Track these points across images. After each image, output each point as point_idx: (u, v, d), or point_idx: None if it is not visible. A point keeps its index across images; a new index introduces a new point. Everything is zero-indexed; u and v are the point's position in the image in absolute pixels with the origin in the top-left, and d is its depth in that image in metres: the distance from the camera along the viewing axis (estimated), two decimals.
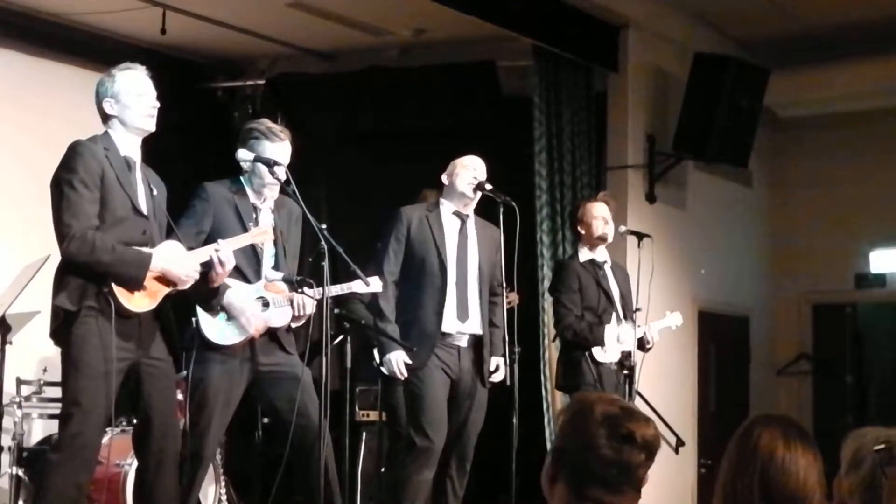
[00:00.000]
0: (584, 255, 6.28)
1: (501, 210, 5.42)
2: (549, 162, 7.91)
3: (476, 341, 5.50)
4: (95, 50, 7.75)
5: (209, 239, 4.64)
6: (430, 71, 8.38)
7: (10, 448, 5.86)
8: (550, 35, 7.78)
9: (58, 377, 4.47)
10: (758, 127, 8.45)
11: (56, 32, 7.77)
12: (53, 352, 4.42)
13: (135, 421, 4.61)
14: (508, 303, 5.75)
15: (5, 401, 5.90)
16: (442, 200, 5.60)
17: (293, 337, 4.98)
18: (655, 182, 8.34)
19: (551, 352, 7.55)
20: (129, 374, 4.30)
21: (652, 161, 8.33)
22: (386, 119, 8.49)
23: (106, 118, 4.37)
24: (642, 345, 6.30)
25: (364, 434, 7.13)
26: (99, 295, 4.17)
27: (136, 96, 4.35)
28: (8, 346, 5.79)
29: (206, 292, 4.59)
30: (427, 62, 8.43)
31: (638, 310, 6.28)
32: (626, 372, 6.17)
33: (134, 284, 4.22)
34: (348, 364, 5.11)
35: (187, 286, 4.38)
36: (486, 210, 5.61)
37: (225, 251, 4.46)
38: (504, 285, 5.57)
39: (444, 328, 5.41)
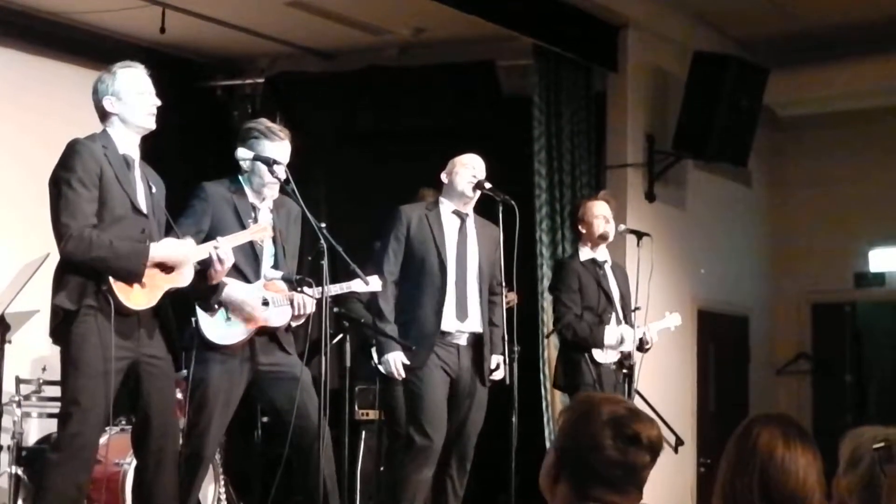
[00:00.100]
0: (585, 253, 6.28)
1: (501, 209, 5.42)
2: (549, 161, 7.92)
3: (476, 340, 5.50)
4: (95, 49, 7.75)
5: (208, 238, 4.63)
6: (430, 70, 8.38)
7: (9, 447, 5.86)
8: (550, 34, 7.78)
9: (57, 376, 4.47)
10: (757, 126, 8.45)
11: (56, 31, 7.77)
12: (52, 351, 4.43)
13: (134, 420, 4.61)
14: (507, 302, 5.74)
15: (4, 400, 5.90)
16: (441, 199, 5.60)
17: (292, 336, 4.98)
18: (655, 181, 8.34)
19: (550, 351, 7.55)
20: (128, 373, 4.30)
21: (651, 160, 8.34)
22: (385, 118, 8.49)
23: (105, 116, 4.37)
24: (641, 345, 6.29)
25: (363, 433, 7.13)
26: (98, 293, 4.17)
27: (137, 94, 4.35)
28: (7, 345, 5.80)
29: (205, 290, 4.60)
30: (427, 61, 8.43)
31: (637, 309, 6.28)
32: (625, 371, 6.17)
33: (134, 277, 4.21)
34: (348, 363, 5.10)
35: (188, 281, 4.37)
36: (485, 209, 5.60)
37: (224, 248, 4.46)
38: (503, 284, 5.56)
39: (444, 327, 5.41)
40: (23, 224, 6.94)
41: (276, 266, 4.91)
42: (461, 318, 5.44)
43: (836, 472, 2.60)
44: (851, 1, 8.16)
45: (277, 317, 4.85)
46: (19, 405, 5.96)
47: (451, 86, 8.29)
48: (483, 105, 8.29)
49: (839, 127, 9.62)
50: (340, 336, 5.54)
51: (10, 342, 5.83)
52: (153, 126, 4.41)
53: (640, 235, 6.63)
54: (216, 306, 4.73)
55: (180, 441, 4.69)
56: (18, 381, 6.17)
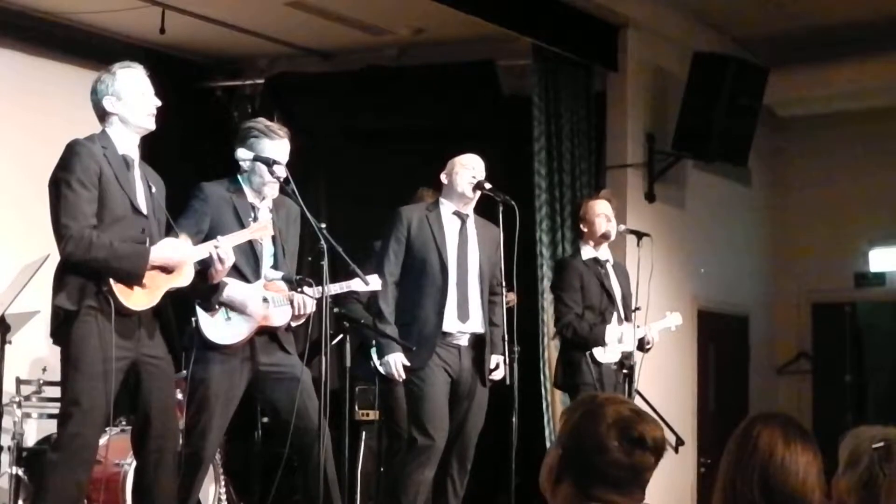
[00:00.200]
0: (587, 252, 6.28)
1: (501, 209, 5.42)
2: (549, 161, 7.91)
3: (477, 340, 5.49)
4: (95, 49, 7.75)
5: (207, 239, 4.63)
6: (430, 70, 8.38)
7: (9, 448, 5.85)
8: (550, 34, 7.78)
9: (57, 377, 4.46)
10: (757, 126, 8.45)
11: (55, 32, 7.77)
12: (53, 351, 4.42)
13: (133, 420, 4.61)
14: (507, 303, 5.74)
15: (5, 400, 5.90)
16: (441, 200, 5.59)
17: (292, 336, 4.98)
18: (655, 181, 8.34)
19: (551, 351, 7.55)
20: (128, 373, 4.30)
21: (651, 160, 8.33)
22: (385, 118, 8.49)
23: (104, 116, 4.36)
24: (642, 345, 6.30)
25: (364, 433, 7.13)
26: (98, 294, 4.17)
27: (138, 95, 4.35)
28: (7, 346, 5.79)
29: (206, 290, 4.60)
30: (426, 61, 8.43)
31: (637, 309, 6.28)
32: (625, 371, 6.17)
33: (134, 279, 4.21)
34: (348, 363, 5.11)
35: (188, 281, 4.37)
36: (485, 209, 5.60)
37: (224, 248, 4.46)
38: (503, 284, 5.56)
39: (446, 328, 5.40)
40: (23, 224, 6.93)
41: (275, 266, 4.91)
42: (462, 319, 5.44)
43: (836, 472, 2.60)
44: (851, 1, 8.16)
45: (278, 316, 4.85)
46: (20, 406, 5.96)
47: (451, 86, 8.28)
48: (483, 105, 8.29)
49: (839, 127, 9.62)
50: (340, 336, 5.53)
51: (10, 343, 5.82)
52: (153, 126, 4.41)
53: (640, 235, 6.63)
54: (216, 306, 4.73)
55: (180, 441, 4.69)
56: (19, 381, 6.16)
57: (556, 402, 7.65)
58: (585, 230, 6.27)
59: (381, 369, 5.52)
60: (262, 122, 4.97)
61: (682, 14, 8.52)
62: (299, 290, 4.77)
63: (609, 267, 6.30)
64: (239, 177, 4.92)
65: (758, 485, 2.38)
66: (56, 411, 4.51)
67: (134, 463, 4.71)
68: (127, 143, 4.37)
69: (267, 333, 4.86)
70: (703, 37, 8.62)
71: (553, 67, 7.97)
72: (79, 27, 7.88)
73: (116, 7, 7.40)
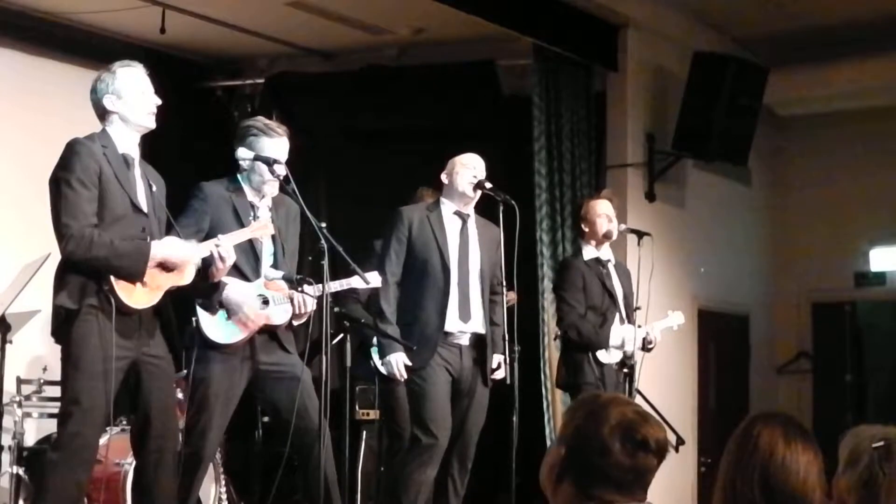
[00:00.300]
0: (589, 252, 6.27)
1: (501, 209, 5.42)
2: (549, 161, 7.91)
3: (478, 340, 5.49)
4: (95, 49, 7.74)
5: (207, 238, 4.63)
6: (430, 70, 8.38)
7: (10, 447, 5.85)
8: (550, 34, 7.78)
9: (57, 376, 4.46)
10: (757, 126, 8.45)
11: (55, 32, 7.76)
12: (53, 351, 4.42)
13: (133, 419, 4.61)
14: (507, 302, 5.75)
15: (5, 400, 5.90)
16: (442, 200, 5.59)
17: (293, 335, 4.97)
18: (655, 181, 8.34)
19: (551, 351, 7.55)
20: (128, 373, 4.30)
21: (651, 160, 8.33)
22: (385, 118, 8.49)
23: (104, 115, 4.36)
24: (644, 345, 6.30)
25: (364, 433, 7.13)
26: (99, 293, 4.17)
27: (138, 93, 4.35)
28: (8, 346, 5.79)
29: (206, 289, 4.60)
30: (426, 61, 8.43)
31: (637, 308, 6.28)
32: (626, 371, 6.17)
33: (135, 276, 4.21)
34: (348, 363, 5.11)
35: (189, 279, 4.37)
36: (485, 209, 5.60)
37: (225, 246, 4.47)
38: (504, 284, 5.57)
39: (447, 328, 5.40)
40: (23, 224, 6.93)
41: (275, 264, 4.91)
42: (464, 319, 5.44)
43: (836, 472, 2.60)
44: (851, 1, 8.16)
45: (278, 315, 4.85)
46: (20, 405, 5.96)
47: (451, 86, 8.28)
48: (483, 105, 8.29)
49: (839, 126, 9.62)
50: (341, 336, 5.53)
51: (10, 342, 5.82)
52: (153, 125, 4.41)
53: (640, 235, 6.63)
54: (217, 305, 4.73)
55: (180, 441, 4.69)
56: (19, 381, 6.17)
57: (556, 402, 7.65)
58: (587, 230, 6.27)
59: (382, 369, 5.52)
60: (260, 120, 4.98)
61: (683, 14, 8.52)
62: (299, 289, 4.77)
63: (611, 267, 6.30)
64: (238, 176, 4.92)
65: (758, 484, 2.38)
66: (56, 411, 4.51)
67: (134, 462, 4.71)
68: (127, 141, 4.37)
69: (267, 332, 4.86)
70: (703, 37, 8.62)
71: (553, 67, 7.97)
72: (79, 27, 7.88)
73: (116, 7, 7.40)
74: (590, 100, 8.22)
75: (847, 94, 9.13)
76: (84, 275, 4.17)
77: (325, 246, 4.58)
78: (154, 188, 4.44)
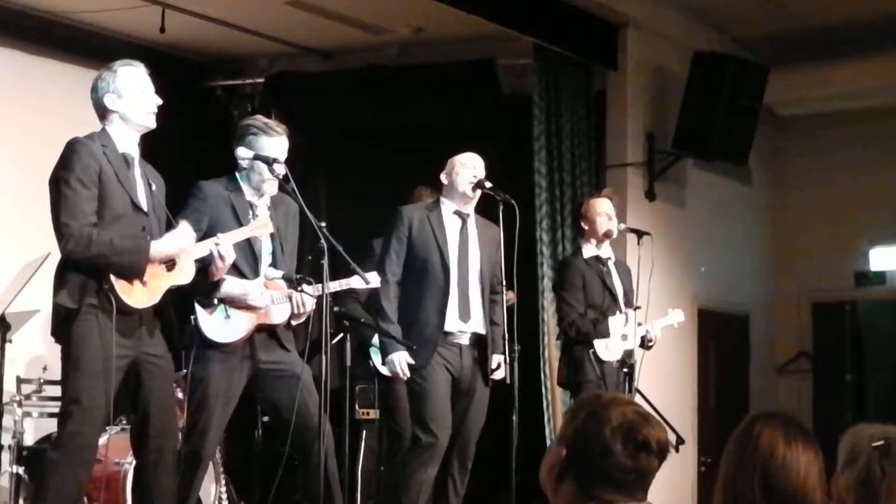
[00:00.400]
0: (589, 251, 6.28)
1: (501, 208, 5.41)
2: (549, 160, 7.91)
3: (478, 340, 5.49)
4: (95, 49, 7.74)
5: (206, 237, 4.63)
6: (430, 69, 8.38)
7: (9, 447, 5.85)
8: (550, 34, 7.78)
9: (57, 376, 4.46)
10: (757, 126, 8.45)
11: (55, 31, 7.77)
12: (53, 351, 4.42)
13: (133, 419, 4.61)
14: (507, 301, 5.74)
15: (5, 399, 5.90)
16: (442, 199, 5.59)
17: (292, 334, 4.97)
18: (655, 180, 8.34)
19: (551, 350, 7.55)
20: (128, 372, 4.30)
21: (651, 159, 8.34)
22: (385, 117, 8.49)
23: (105, 114, 4.36)
24: (644, 342, 6.30)
25: (364, 432, 7.13)
26: (99, 292, 4.16)
27: (139, 93, 4.35)
28: (8, 345, 5.79)
29: (206, 287, 4.60)
30: (426, 60, 8.43)
31: (638, 308, 6.28)
32: (626, 370, 6.17)
33: (135, 273, 4.21)
34: (348, 362, 5.10)
35: (189, 278, 4.37)
36: (485, 208, 5.60)
37: (225, 245, 4.47)
38: (504, 283, 5.56)
39: (447, 328, 5.40)
40: (23, 224, 6.93)
41: (274, 263, 4.91)
42: (464, 319, 5.44)
43: (835, 471, 2.60)
44: (851, 1, 8.16)
45: (278, 313, 4.84)
46: (20, 405, 5.95)
47: (451, 85, 8.28)
48: (483, 104, 8.28)
49: (839, 126, 9.62)
50: (341, 336, 5.53)
51: (10, 342, 5.82)
52: (153, 125, 4.41)
53: (640, 234, 6.63)
54: (215, 302, 4.73)
55: (180, 440, 4.69)
56: (19, 380, 6.17)
57: (556, 401, 7.65)
58: (587, 228, 6.28)
59: (382, 369, 5.51)
60: (259, 119, 4.97)
61: (683, 13, 8.52)
62: (299, 288, 4.76)
63: (611, 265, 6.31)
64: (237, 175, 4.92)
65: (758, 484, 2.38)
66: (56, 410, 4.51)
67: (134, 462, 4.71)
68: (127, 141, 4.37)
69: (266, 331, 4.86)
70: (703, 36, 8.62)
71: (553, 66, 7.97)
72: (79, 26, 7.88)
73: (116, 6, 7.40)
74: (590, 99, 8.22)
75: (847, 94, 9.13)
76: (84, 274, 4.17)
77: (325, 245, 4.58)
78: (154, 187, 4.44)
